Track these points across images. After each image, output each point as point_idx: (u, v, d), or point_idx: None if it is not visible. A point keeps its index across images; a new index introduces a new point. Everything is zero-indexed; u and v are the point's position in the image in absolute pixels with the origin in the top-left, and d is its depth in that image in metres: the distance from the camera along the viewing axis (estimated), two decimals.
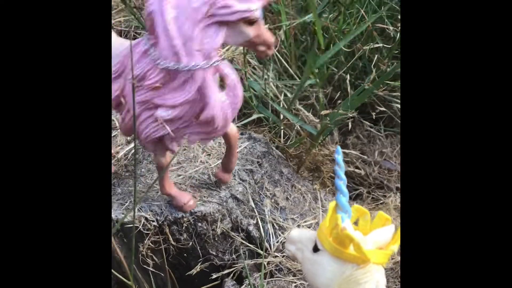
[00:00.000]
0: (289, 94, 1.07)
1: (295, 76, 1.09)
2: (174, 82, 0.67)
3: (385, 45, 1.06)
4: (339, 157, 0.56)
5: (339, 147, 0.56)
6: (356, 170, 1.07)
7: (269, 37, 0.66)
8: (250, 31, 0.65)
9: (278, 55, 1.10)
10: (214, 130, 0.71)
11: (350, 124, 0.98)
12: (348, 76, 0.99)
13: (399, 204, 0.97)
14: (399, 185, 1.05)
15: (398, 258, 0.83)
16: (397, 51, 1.11)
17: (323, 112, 0.92)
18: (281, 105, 1.04)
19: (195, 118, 0.70)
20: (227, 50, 1.09)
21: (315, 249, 0.54)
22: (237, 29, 0.65)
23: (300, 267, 0.85)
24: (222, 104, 0.69)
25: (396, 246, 0.53)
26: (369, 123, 1.12)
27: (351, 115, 0.90)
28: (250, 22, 0.64)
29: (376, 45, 1.04)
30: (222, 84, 0.71)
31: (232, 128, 0.78)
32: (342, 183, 0.55)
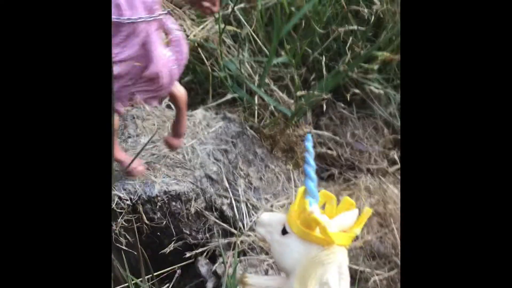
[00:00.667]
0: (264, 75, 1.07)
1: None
2: (117, 37, 0.66)
3: (359, 28, 1.06)
4: (309, 144, 0.57)
5: (309, 135, 0.57)
6: (328, 151, 1.08)
7: None
8: None
9: (254, 35, 1.09)
10: (160, 87, 0.71)
11: (324, 105, 0.99)
12: (323, 58, 0.99)
13: (369, 185, 0.99)
14: (369, 167, 1.07)
15: (369, 238, 0.85)
16: (371, 33, 1.12)
17: (299, 93, 0.93)
18: (256, 85, 1.05)
19: (139, 77, 0.70)
20: (202, 29, 1.08)
21: (284, 231, 0.57)
22: None
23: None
24: (166, 59, 0.69)
25: (358, 229, 0.55)
26: (342, 104, 1.13)
27: (325, 97, 0.91)
28: None
29: (351, 28, 1.05)
30: (167, 41, 0.71)
31: (179, 89, 0.77)
32: (311, 169, 0.57)
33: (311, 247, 0.55)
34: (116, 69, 0.68)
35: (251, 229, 0.88)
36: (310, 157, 0.56)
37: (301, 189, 0.57)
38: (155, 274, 0.82)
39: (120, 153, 0.81)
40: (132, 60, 0.68)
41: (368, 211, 0.55)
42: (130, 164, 0.80)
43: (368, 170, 1.06)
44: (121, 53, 0.67)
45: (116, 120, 0.76)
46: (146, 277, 0.81)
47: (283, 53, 1.09)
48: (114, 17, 0.65)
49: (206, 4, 0.68)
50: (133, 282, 0.79)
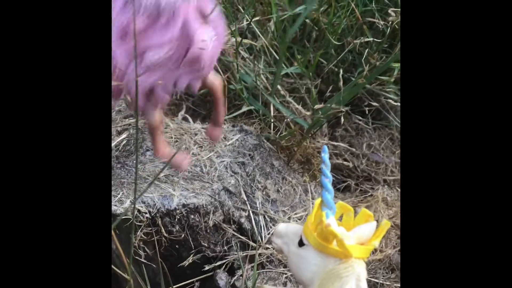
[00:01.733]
0: (279, 86, 1.07)
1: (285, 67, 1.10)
2: (158, 23, 0.68)
3: (375, 40, 1.07)
4: (326, 156, 0.57)
5: (325, 147, 0.58)
6: (345, 163, 1.08)
7: None
8: None
9: (269, 47, 1.10)
10: (202, 68, 0.72)
11: (342, 118, 0.99)
12: (341, 71, 1.00)
13: (387, 197, 0.98)
14: (386, 178, 1.07)
15: (389, 252, 0.85)
16: (386, 45, 1.12)
17: (317, 107, 0.93)
18: (270, 96, 1.05)
19: (182, 59, 0.71)
20: None
21: (301, 243, 0.56)
22: None
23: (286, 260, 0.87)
24: (207, 39, 0.70)
25: (377, 242, 0.55)
26: (357, 116, 1.13)
27: (343, 110, 0.91)
28: None
29: (366, 39, 1.05)
30: (206, 21, 0.72)
31: (216, 79, 0.79)
32: (327, 181, 0.57)
33: (328, 259, 0.54)
34: (161, 52, 0.69)
35: (269, 241, 0.88)
36: (327, 169, 0.57)
37: (318, 200, 0.57)
38: (174, 287, 0.82)
39: (165, 150, 0.81)
40: (175, 43, 0.69)
41: (386, 223, 0.55)
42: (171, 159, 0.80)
43: (385, 181, 1.05)
44: (164, 37, 0.69)
45: (158, 115, 0.77)
46: None
47: (296, 63, 1.09)
48: (153, 3, 0.67)
49: None
50: None
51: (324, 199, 0.56)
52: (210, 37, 0.70)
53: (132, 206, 0.70)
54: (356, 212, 0.58)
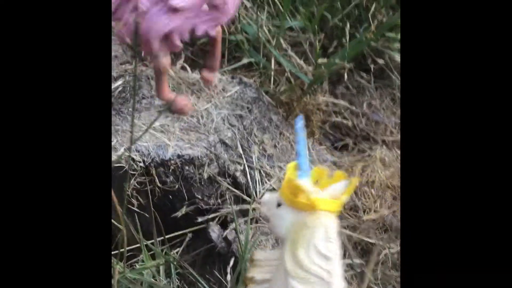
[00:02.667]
0: (281, 40, 1.04)
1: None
2: None
3: None
4: (299, 127, 0.60)
5: (300, 116, 0.60)
6: (344, 121, 1.07)
7: None
8: None
9: None
10: (224, 14, 0.75)
11: (346, 75, 0.96)
12: (347, 25, 0.96)
13: (385, 157, 0.97)
14: (385, 138, 1.05)
15: (384, 212, 0.85)
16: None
17: (320, 61, 0.91)
18: (274, 49, 1.02)
19: (206, 4, 0.72)
20: None
21: (278, 205, 0.60)
22: None
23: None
24: None
25: (346, 197, 0.58)
26: (361, 72, 1.11)
27: (347, 66, 0.89)
28: None
29: None
30: None
31: None
32: (301, 147, 0.60)
33: (299, 214, 0.58)
34: (181, 1, 0.71)
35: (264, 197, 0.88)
36: (300, 136, 0.59)
37: (291, 164, 0.60)
38: (166, 237, 0.82)
39: (169, 94, 0.84)
40: None
41: (356, 179, 0.58)
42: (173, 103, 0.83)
43: (384, 141, 1.04)
44: None
45: (168, 59, 0.79)
46: (158, 239, 0.81)
47: (299, 17, 1.06)
48: None
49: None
50: (144, 244, 0.79)
51: (299, 164, 0.59)
52: None
53: (127, 154, 0.69)
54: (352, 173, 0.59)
